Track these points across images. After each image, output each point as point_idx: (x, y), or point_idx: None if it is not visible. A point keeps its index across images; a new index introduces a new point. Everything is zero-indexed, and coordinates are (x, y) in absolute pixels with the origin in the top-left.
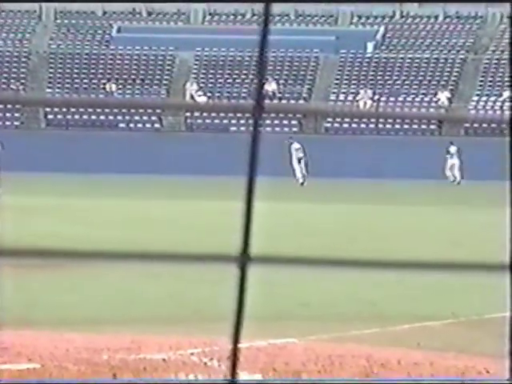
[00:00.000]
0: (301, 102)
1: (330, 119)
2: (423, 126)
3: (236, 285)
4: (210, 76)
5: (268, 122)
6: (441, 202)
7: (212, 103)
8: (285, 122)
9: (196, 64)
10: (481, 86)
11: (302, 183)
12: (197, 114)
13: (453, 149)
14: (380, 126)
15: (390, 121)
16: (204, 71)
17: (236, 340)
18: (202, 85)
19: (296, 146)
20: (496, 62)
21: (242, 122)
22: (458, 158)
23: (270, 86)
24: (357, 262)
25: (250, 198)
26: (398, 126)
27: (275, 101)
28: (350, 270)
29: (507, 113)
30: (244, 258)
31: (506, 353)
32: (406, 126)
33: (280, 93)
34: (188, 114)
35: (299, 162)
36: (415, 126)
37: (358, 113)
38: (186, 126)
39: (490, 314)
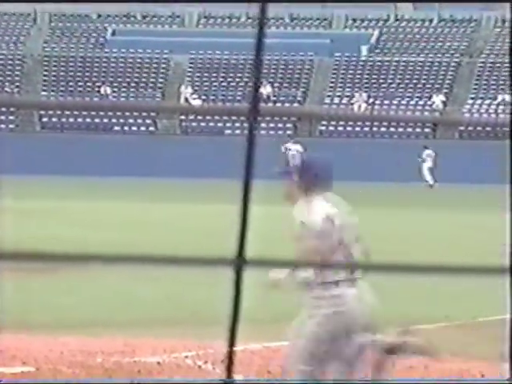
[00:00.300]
0: (295, 105)
1: (324, 122)
2: (417, 130)
3: (232, 288)
4: (205, 79)
5: (263, 125)
6: (438, 205)
7: (207, 106)
8: (280, 125)
9: (190, 67)
10: (475, 89)
11: None
12: (191, 116)
13: (425, 153)
14: (374, 129)
15: (384, 124)
16: (198, 74)
17: (232, 342)
18: (196, 88)
19: (297, 147)
20: (490, 65)
21: (237, 125)
22: (431, 161)
23: (265, 89)
24: (351, 265)
25: (246, 200)
26: (392, 129)
27: (270, 104)
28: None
29: (507, 116)
30: (240, 260)
31: (502, 355)
32: (400, 130)
33: (275, 96)
34: (183, 117)
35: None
36: (409, 130)
37: (352, 116)
38: (181, 129)
39: (484, 317)
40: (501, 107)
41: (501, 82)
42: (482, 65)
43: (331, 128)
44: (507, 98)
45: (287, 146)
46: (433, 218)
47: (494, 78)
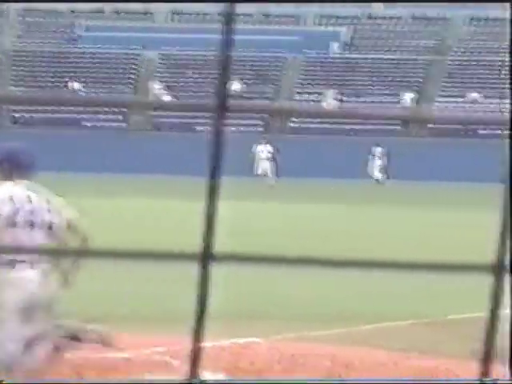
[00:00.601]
0: (266, 101)
1: (295, 119)
2: (389, 127)
3: (198, 283)
4: (175, 75)
5: (233, 121)
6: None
7: (176, 102)
8: (250, 121)
9: (161, 63)
10: (445, 86)
11: (272, 185)
12: (163, 112)
13: (377, 150)
14: (346, 126)
15: (355, 121)
16: (169, 70)
17: (197, 339)
18: (166, 84)
19: (268, 148)
20: (460, 63)
21: (209, 121)
22: (381, 159)
23: (234, 86)
24: (323, 261)
25: (213, 196)
26: (363, 127)
27: (240, 101)
28: (314, 268)
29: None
30: (206, 255)
31: (473, 353)
32: (371, 127)
33: (245, 93)
34: (153, 113)
35: (274, 162)
36: (380, 127)
37: (323, 113)
38: (152, 125)
39: (453, 315)
40: (469, 105)
41: (470, 80)
42: (451, 63)
43: (302, 125)
44: (477, 96)
45: (259, 149)
46: (404, 216)
47: (464, 76)
